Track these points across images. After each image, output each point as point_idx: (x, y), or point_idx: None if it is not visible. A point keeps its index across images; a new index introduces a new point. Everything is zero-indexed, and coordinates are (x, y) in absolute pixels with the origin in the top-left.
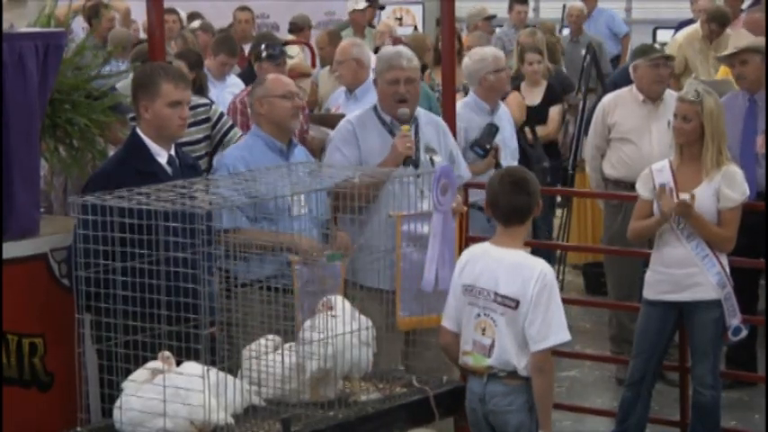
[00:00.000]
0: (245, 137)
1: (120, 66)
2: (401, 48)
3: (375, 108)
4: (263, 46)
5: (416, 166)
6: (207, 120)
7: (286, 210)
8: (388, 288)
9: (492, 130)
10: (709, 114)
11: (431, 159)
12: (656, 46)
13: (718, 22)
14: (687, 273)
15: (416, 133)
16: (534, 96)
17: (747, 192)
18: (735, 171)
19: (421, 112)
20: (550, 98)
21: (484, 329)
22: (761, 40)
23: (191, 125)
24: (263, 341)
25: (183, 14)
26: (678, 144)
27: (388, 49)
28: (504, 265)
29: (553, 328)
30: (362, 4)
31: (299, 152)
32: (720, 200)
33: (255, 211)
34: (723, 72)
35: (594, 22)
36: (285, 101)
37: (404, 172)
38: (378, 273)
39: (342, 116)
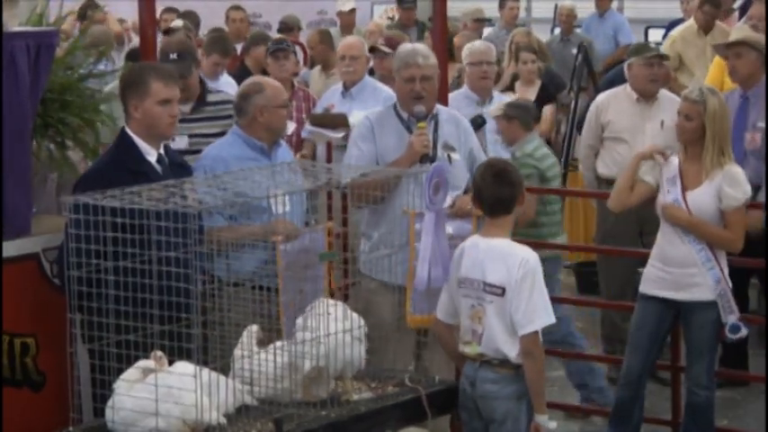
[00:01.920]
0: (226, 136)
1: (99, 65)
2: (418, 45)
3: (395, 105)
4: (269, 43)
5: (433, 162)
6: (229, 116)
7: (267, 208)
8: (399, 283)
9: (477, 120)
10: (711, 115)
11: (448, 156)
12: (652, 45)
13: (711, 3)
14: (687, 272)
15: (436, 130)
16: (528, 96)
17: (749, 191)
18: (736, 171)
19: (441, 109)
20: (544, 97)
21: (480, 318)
22: (759, 37)
23: (210, 119)
24: (244, 334)
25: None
26: (682, 143)
27: (405, 46)
28: (490, 254)
29: (538, 311)
30: (349, 6)
31: (283, 152)
32: (723, 200)
33: (235, 210)
34: (717, 65)
35: (603, 22)
36: (284, 110)
37: (420, 169)
38: (391, 267)
39: (342, 115)
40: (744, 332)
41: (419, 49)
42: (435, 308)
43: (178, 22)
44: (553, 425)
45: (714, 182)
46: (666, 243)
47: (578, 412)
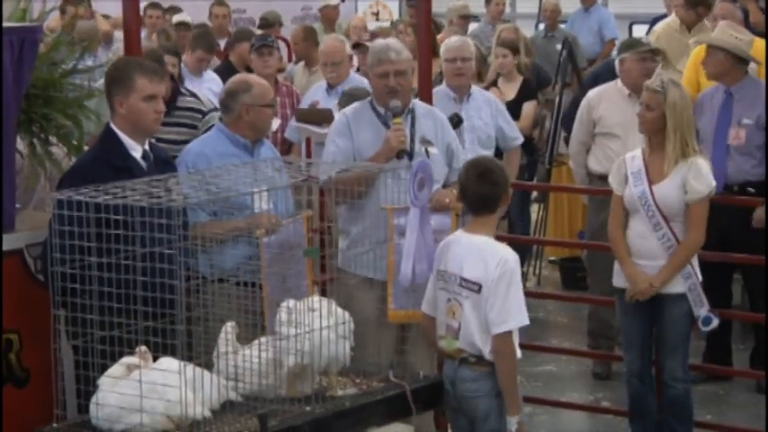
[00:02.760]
0: (209, 132)
1: (87, 60)
2: (391, 40)
3: (371, 101)
4: (253, 38)
5: (411, 157)
6: (194, 127)
7: (249, 205)
8: (380, 278)
9: (454, 119)
10: (672, 105)
11: (426, 151)
12: (644, 40)
13: (704, 6)
14: (657, 265)
15: (413, 125)
16: (509, 92)
17: (713, 184)
18: (702, 163)
19: (418, 103)
20: (525, 94)
21: (454, 313)
22: (729, 38)
23: (177, 125)
24: (222, 332)
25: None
26: (643, 133)
27: (378, 42)
28: (469, 250)
29: (512, 312)
30: (335, 0)
31: (267, 149)
32: (687, 192)
33: (217, 206)
34: (692, 66)
35: (588, 17)
36: (269, 109)
37: (398, 164)
38: (371, 263)
39: (328, 111)
40: (715, 323)
41: (392, 45)
42: (417, 304)
43: (185, 17)
44: (514, 428)
45: (679, 173)
46: (636, 237)
47: (563, 407)
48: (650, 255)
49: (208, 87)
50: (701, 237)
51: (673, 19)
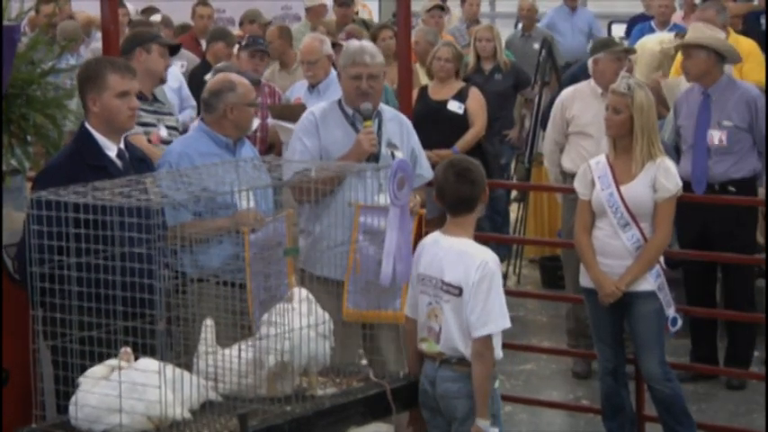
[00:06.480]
0: (190, 131)
1: (70, 59)
2: (365, 43)
3: (339, 101)
4: (246, 38)
5: (377, 159)
6: None
7: (232, 204)
8: (342, 279)
9: None
10: (639, 107)
11: (392, 154)
12: (617, 39)
13: None
14: (625, 264)
15: (379, 128)
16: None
17: (680, 184)
18: (669, 163)
19: (384, 107)
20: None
21: (436, 316)
22: (709, 37)
23: None
24: (203, 330)
25: (131, 8)
26: (611, 137)
27: (353, 43)
28: (450, 253)
29: (493, 315)
30: (320, 0)
31: (247, 148)
32: (657, 190)
33: (200, 206)
34: (677, 69)
35: (574, 17)
36: (252, 109)
37: (364, 165)
38: (333, 264)
39: (303, 107)
40: (680, 323)
41: (367, 48)
42: (370, 305)
43: (156, 17)
44: (495, 431)
45: (649, 173)
46: (604, 236)
47: (542, 406)
48: (617, 255)
49: (168, 86)
50: (669, 235)
51: (661, 42)
